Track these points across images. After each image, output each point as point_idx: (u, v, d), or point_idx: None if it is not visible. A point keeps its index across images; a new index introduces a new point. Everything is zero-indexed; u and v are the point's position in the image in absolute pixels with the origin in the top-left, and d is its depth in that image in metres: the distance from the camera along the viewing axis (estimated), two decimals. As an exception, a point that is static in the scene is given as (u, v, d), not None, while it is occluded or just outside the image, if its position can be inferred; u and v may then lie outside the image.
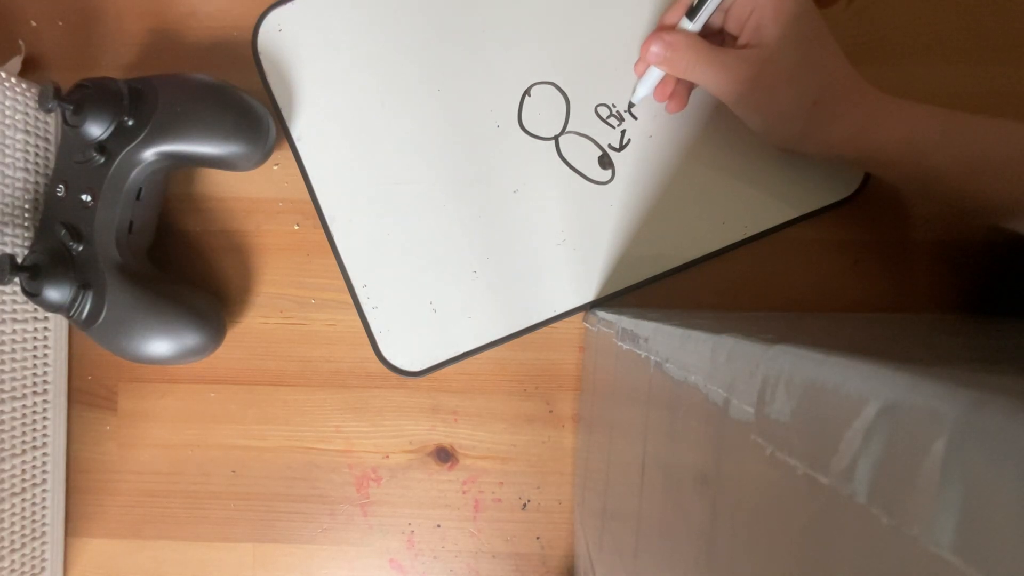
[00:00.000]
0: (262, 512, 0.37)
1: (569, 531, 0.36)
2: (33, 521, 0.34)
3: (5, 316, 0.32)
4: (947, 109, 0.27)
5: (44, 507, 0.35)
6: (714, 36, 0.30)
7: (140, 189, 0.31)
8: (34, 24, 0.37)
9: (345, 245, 0.35)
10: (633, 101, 0.34)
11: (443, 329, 0.35)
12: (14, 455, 0.33)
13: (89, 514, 0.37)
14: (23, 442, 0.34)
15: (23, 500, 0.34)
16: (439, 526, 0.36)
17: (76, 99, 0.30)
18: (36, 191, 0.33)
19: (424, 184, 0.35)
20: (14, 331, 0.33)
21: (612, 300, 0.35)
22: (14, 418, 0.33)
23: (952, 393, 0.07)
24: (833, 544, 0.09)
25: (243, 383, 0.36)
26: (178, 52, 0.36)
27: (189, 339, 0.32)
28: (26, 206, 0.33)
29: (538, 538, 0.36)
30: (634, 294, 0.35)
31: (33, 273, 0.29)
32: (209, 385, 0.37)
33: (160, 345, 0.31)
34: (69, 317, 0.31)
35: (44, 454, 0.35)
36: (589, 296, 0.35)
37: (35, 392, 0.34)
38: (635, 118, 0.34)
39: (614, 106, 0.34)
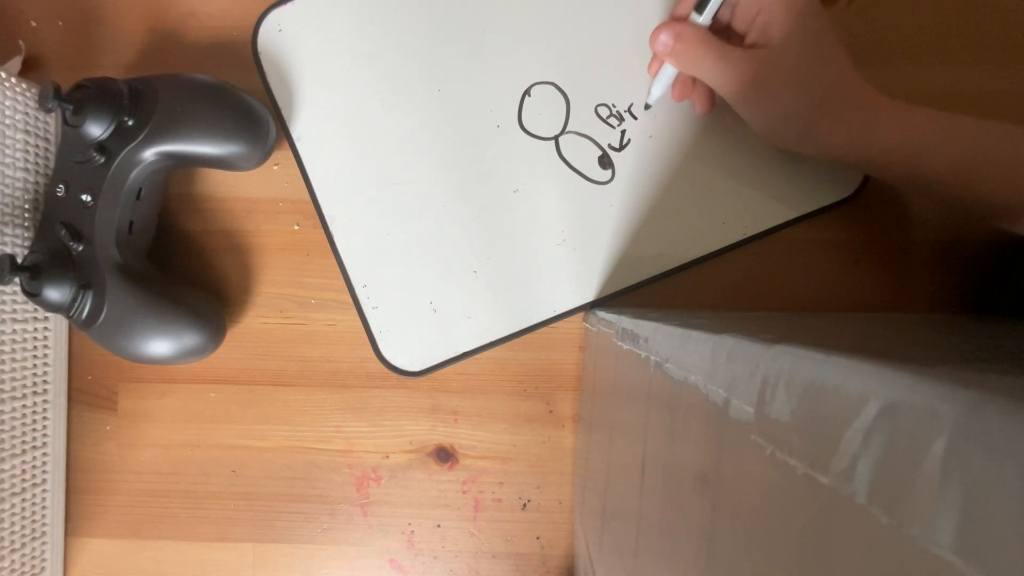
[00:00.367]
0: (262, 512, 0.37)
1: (569, 531, 0.36)
2: (33, 521, 0.34)
3: (5, 316, 0.32)
4: (947, 112, 0.27)
5: (44, 507, 0.35)
6: (720, 34, 0.30)
7: (140, 189, 0.31)
8: (34, 24, 0.37)
9: (345, 245, 0.35)
10: (649, 103, 0.33)
11: (443, 329, 0.35)
12: (14, 455, 0.33)
13: (89, 514, 0.37)
14: (23, 442, 0.34)
15: (23, 500, 0.34)
16: (439, 526, 0.36)
17: (76, 99, 0.30)
18: (36, 191, 0.33)
19: (424, 184, 0.35)
20: (14, 331, 0.33)
21: (612, 300, 0.35)
22: (14, 418, 0.33)
23: (952, 393, 0.07)
24: (833, 544, 0.09)
25: (243, 383, 0.36)
26: (178, 52, 0.36)
27: (189, 339, 0.32)
28: (26, 206, 0.33)
29: (538, 538, 0.36)
30: (634, 294, 0.35)
31: (33, 273, 0.29)
32: (209, 385, 0.37)
33: (160, 345, 0.31)
34: (69, 317, 0.31)
35: (44, 454, 0.35)
36: (589, 296, 0.35)
37: (35, 392, 0.34)
38: (650, 116, 0.34)
39: (614, 106, 0.34)
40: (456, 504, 0.36)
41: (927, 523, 0.07)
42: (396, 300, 0.35)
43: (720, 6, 0.28)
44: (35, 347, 0.34)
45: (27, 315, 0.33)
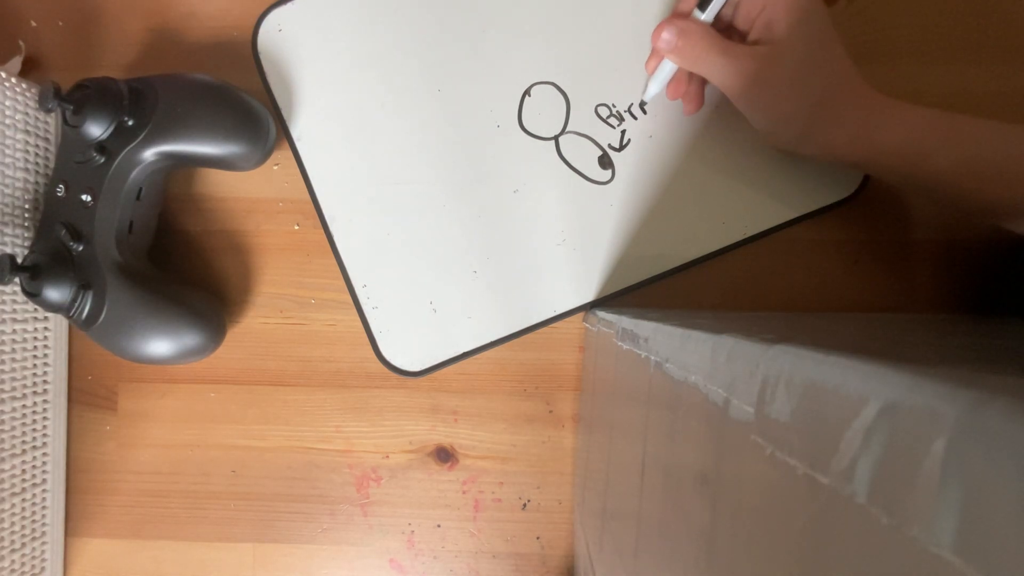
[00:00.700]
0: (262, 512, 0.37)
1: (569, 531, 0.36)
2: (33, 521, 0.34)
3: (5, 316, 0.32)
4: (947, 111, 0.27)
5: (44, 507, 0.35)
6: (722, 33, 0.30)
7: (140, 189, 0.31)
8: (34, 24, 0.37)
9: (345, 245, 0.35)
10: (645, 99, 0.33)
11: (443, 329, 0.35)
12: (14, 455, 0.33)
13: (89, 514, 0.37)
14: (23, 442, 0.34)
15: (23, 500, 0.34)
16: (439, 526, 0.36)
17: (76, 99, 0.30)
18: (36, 191, 0.33)
19: (424, 184, 0.35)
20: (14, 331, 0.33)
21: (612, 300, 0.35)
22: (14, 418, 0.33)
23: (952, 393, 0.07)
24: (833, 544, 0.09)
25: (243, 383, 0.36)
26: (178, 52, 0.36)
27: (189, 339, 0.32)
28: (26, 206, 0.33)
29: (538, 538, 0.36)
30: (634, 294, 0.35)
31: (33, 273, 0.29)
32: (209, 385, 0.37)
33: (160, 345, 0.31)
34: (69, 317, 0.31)
35: (44, 454, 0.35)
36: (589, 296, 0.35)
37: (35, 392, 0.34)
38: (644, 113, 0.34)
39: (614, 106, 0.34)
40: (456, 504, 0.36)
41: (927, 523, 0.07)
42: (396, 300, 0.35)
43: (724, 4, 0.28)
44: (35, 347, 0.34)
45: (27, 315, 0.33)
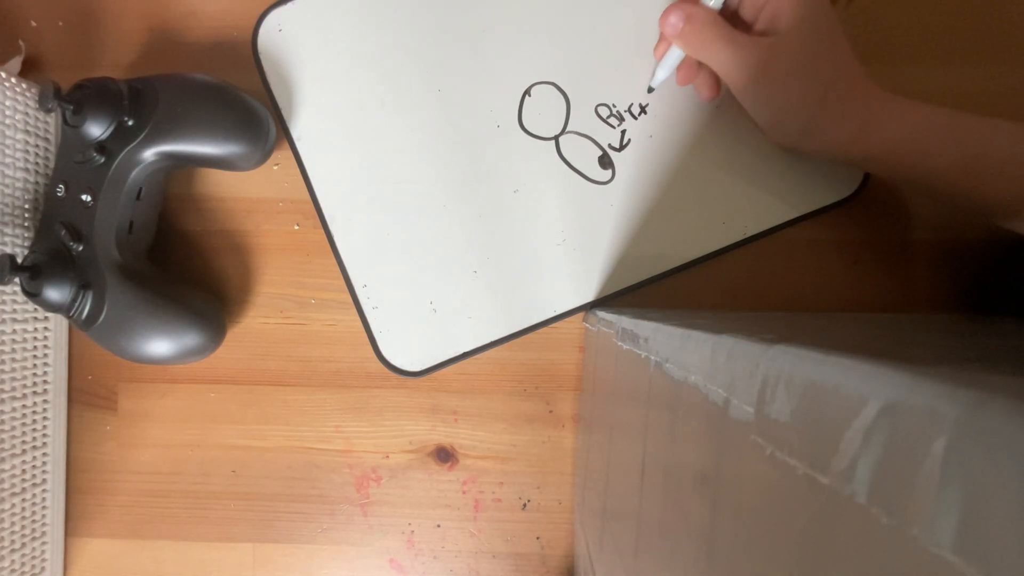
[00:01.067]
0: (262, 512, 0.37)
1: (569, 531, 0.36)
2: (33, 521, 0.34)
3: (5, 316, 0.32)
4: (949, 109, 0.27)
5: (44, 507, 0.35)
6: (730, 22, 0.30)
7: (140, 189, 0.31)
8: (34, 24, 0.37)
9: (345, 245, 0.35)
10: (652, 85, 0.33)
11: (443, 329, 0.35)
12: (14, 455, 0.33)
13: (89, 514, 0.37)
14: (23, 442, 0.34)
15: (23, 500, 0.34)
16: (439, 526, 0.36)
17: (76, 99, 0.30)
18: (36, 191, 0.33)
19: (424, 184, 0.35)
20: (14, 331, 0.33)
21: (612, 300, 0.35)
22: (14, 418, 0.33)
23: (952, 393, 0.07)
24: (833, 544, 0.09)
25: (243, 383, 0.36)
26: (178, 52, 0.36)
27: (189, 339, 0.32)
28: (26, 206, 0.33)
29: (538, 538, 0.36)
30: (634, 294, 0.35)
31: (33, 273, 0.29)
32: (209, 385, 0.37)
33: (160, 345, 0.31)
34: (69, 317, 0.31)
35: (44, 454, 0.35)
36: (589, 296, 0.35)
37: (35, 392, 0.34)
38: (637, 116, 0.34)
39: (614, 106, 0.34)
40: (456, 504, 0.36)
41: (927, 523, 0.07)
42: (396, 300, 0.35)
43: None
44: (35, 347, 0.34)
45: (27, 315, 0.33)
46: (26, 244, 0.33)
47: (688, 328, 0.17)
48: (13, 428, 0.33)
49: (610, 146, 0.34)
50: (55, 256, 0.30)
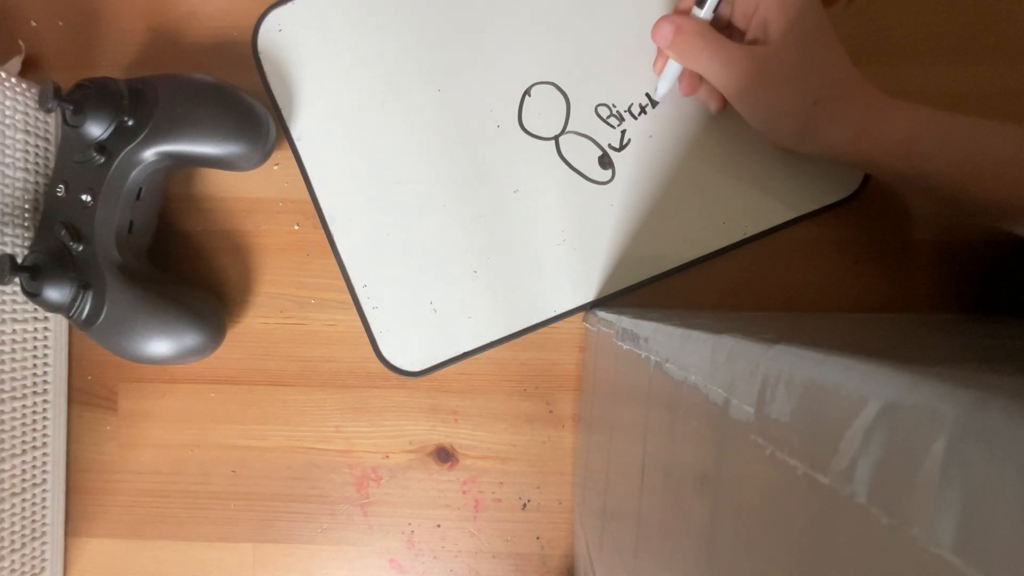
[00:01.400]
0: (262, 512, 0.37)
1: (569, 531, 0.36)
2: (33, 521, 0.34)
3: (5, 316, 0.32)
4: (947, 111, 0.27)
5: (44, 507, 0.35)
6: (723, 32, 0.30)
7: (140, 189, 0.31)
8: (34, 24, 0.37)
9: (345, 245, 0.35)
10: (656, 99, 0.33)
11: (443, 329, 0.35)
12: (14, 455, 0.33)
13: (89, 514, 0.37)
14: (23, 442, 0.34)
15: (23, 500, 0.34)
16: (439, 526, 0.36)
17: (76, 99, 0.30)
18: (36, 191, 0.33)
19: (424, 184, 0.35)
20: (14, 331, 0.33)
21: (612, 300, 0.35)
22: (14, 418, 0.33)
23: (952, 393, 0.07)
24: (833, 544, 0.09)
25: (243, 383, 0.36)
26: (178, 52, 0.36)
27: (189, 339, 0.32)
28: (26, 206, 0.33)
29: (538, 538, 0.36)
30: (634, 294, 0.35)
31: (33, 273, 0.29)
32: (209, 385, 0.37)
33: (160, 345, 0.31)
34: (69, 317, 0.31)
35: (44, 454, 0.35)
36: (589, 296, 0.35)
37: (35, 392, 0.34)
38: (654, 107, 0.34)
39: (614, 106, 0.34)
40: (456, 504, 0.36)
41: (927, 523, 0.07)
42: (396, 300, 0.35)
43: (719, 1, 0.28)
44: (35, 347, 0.34)
45: (27, 315, 0.33)
46: (26, 244, 0.33)
47: (688, 328, 0.17)
48: (13, 428, 0.33)
49: (610, 146, 0.34)
50: (55, 256, 0.30)
